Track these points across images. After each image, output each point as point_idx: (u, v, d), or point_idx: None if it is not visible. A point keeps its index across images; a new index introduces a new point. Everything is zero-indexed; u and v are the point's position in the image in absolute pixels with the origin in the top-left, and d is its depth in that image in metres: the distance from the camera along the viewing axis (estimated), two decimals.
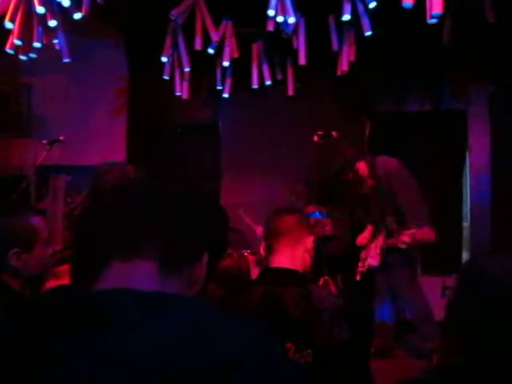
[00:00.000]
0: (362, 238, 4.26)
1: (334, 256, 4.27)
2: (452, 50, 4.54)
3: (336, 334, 1.56)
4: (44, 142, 4.49)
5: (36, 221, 1.57)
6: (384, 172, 3.83)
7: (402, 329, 4.24)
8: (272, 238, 1.80)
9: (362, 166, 3.87)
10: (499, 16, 3.96)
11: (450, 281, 4.02)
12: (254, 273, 4.33)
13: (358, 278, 4.00)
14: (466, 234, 5.24)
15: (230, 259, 1.78)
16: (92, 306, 0.62)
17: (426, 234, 3.57)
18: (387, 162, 3.89)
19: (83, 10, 4.11)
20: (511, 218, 4.49)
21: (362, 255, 4.03)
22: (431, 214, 3.77)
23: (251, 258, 4.61)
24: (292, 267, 1.74)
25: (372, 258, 3.93)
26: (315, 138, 3.41)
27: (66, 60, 4.51)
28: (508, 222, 4.54)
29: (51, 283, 1.60)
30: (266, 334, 0.65)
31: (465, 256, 5.14)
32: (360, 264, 4.00)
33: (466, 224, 5.29)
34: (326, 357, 1.53)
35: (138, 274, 0.69)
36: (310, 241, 1.82)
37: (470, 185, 5.16)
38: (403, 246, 3.60)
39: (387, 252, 3.82)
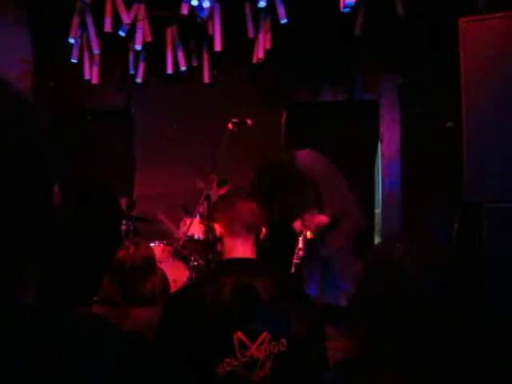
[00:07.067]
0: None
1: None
2: (363, 42, 4.64)
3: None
4: None
5: None
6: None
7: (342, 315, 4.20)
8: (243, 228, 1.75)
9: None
10: (408, 10, 4.10)
11: None
12: (176, 264, 4.26)
13: (292, 270, 4.01)
14: (377, 220, 5.44)
15: (124, 251, 1.67)
16: None
17: (318, 218, 3.70)
18: (303, 157, 3.92)
19: None
20: (418, 204, 4.69)
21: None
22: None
23: (167, 249, 4.50)
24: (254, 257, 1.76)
25: (301, 250, 3.97)
26: (230, 125, 3.36)
27: None
28: (415, 209, 4.75)
29: None
30: (139, 346, 0.60)
31: (377, 241, 5.33)
32: (295, 256, 4.02)
33: (377, 211, 5.48)
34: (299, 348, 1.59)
35: None
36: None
37: (382, 173, 5.34)
38: (308, 236, 3.72)
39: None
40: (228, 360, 1.51)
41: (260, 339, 1.56)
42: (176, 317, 1.56)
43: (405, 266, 1.12)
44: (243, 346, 1.53)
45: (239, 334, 1.54)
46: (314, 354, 1.65)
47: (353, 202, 3.95)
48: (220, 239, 1.77)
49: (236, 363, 1.52)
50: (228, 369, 1.51)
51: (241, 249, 1.72)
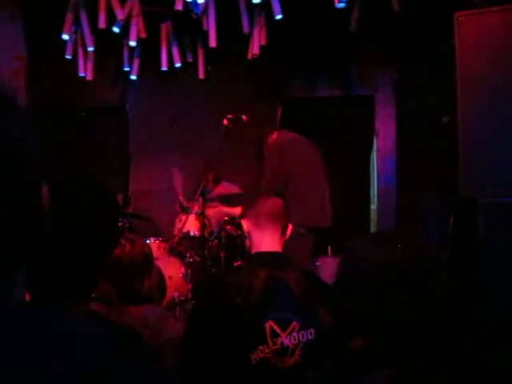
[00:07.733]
0: None
1: None
2: (359, 37, 4.63)
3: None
4: None
5: None
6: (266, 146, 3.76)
7: None
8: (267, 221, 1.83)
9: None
10: (404, 5, 4.09)
11: None
12: (171, 261, 4.26)
13: None
14: (373, 215, 5.44)
15: (120, 248, 1.67)
16: None
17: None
18: (274, 138, 3.80)
19: None
20: (414, 199, 4.70)
21: None
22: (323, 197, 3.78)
23: (163, 246, 4.49)
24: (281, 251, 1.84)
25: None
26: (225, 121, 3.34)
27: None
28: (411, 204, 4.76)
29: None
30: (128, 337, 0.60)
31: None
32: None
33: (373, 206, 5.49)
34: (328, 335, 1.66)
35: None
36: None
37: (377, 168, 5.35)
38: None
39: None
40: (261, 347, 1.60)
41: (290, 328, 1.64)
42: (210, 307, 1.64)
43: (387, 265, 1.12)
44: (274, 334, 1.61)
45: (271, 322, 1.62)
46: (340, 343, 1.70)
47: (321, 194, 3.81)
48: (248, 235, 1.85)
49: (267, 351, 1.60)
50: (261, 356, 1.59)
51: (268, 242, 1.80)
